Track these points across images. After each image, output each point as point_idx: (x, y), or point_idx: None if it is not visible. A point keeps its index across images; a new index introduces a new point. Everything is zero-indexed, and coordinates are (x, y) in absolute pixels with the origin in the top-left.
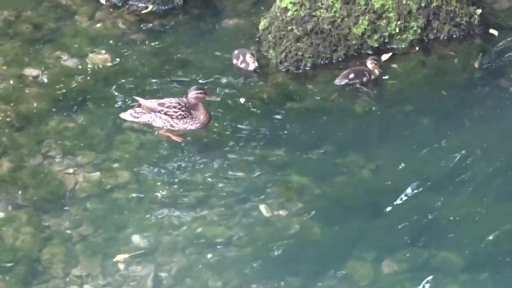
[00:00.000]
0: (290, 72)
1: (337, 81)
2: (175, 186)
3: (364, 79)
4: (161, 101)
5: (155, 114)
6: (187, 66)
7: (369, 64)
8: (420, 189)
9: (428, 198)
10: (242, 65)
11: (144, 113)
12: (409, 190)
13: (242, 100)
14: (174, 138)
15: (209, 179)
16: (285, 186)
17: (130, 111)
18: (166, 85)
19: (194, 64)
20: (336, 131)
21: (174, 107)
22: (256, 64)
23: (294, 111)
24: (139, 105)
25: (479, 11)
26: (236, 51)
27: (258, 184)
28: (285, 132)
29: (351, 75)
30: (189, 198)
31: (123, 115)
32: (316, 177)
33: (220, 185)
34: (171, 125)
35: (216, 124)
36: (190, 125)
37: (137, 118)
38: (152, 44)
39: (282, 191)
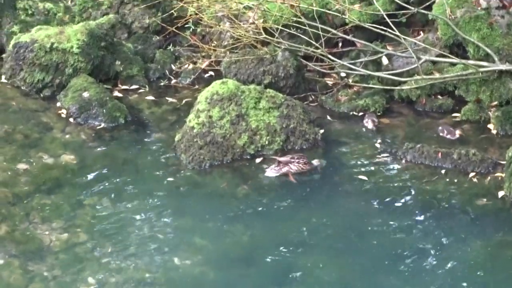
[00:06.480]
0: (195, 169)
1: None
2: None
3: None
4: (290, 156)
5: (291, 165)
6: (129, 163)
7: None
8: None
9: None
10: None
11: (281, 167)
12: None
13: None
14: (291, 178)
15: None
16: None
17: (272, 168)
18: (116, 175)
19: (133, 161)
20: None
21: (298, 158)
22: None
23: (199, 196)
24: (278, 163)
25: (321, 131)
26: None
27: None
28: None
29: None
30: None
31: (267, 173)
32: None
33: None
34: (301, 168)
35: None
36: (308, 166)
37: (279, 171)
38: (103, 149)
39: None
